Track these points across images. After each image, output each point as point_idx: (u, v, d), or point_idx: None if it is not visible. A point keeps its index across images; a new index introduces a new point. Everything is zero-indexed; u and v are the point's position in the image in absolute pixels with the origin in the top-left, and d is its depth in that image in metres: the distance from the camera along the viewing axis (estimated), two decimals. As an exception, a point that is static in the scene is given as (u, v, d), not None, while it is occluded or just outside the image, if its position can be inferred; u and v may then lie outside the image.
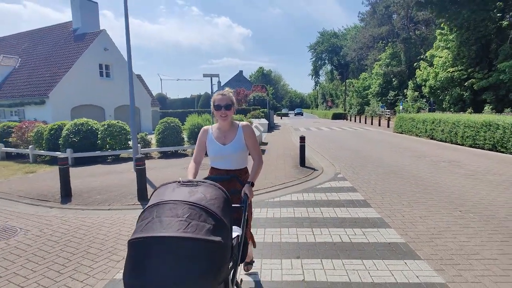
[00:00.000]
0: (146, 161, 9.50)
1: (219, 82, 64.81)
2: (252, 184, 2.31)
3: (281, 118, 47.91)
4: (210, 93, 47.87)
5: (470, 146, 11.62)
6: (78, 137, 10.26)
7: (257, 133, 12.67)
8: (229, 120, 2.47)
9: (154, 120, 25.98)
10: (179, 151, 11.60)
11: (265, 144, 14.17)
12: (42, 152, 10.98)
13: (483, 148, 11.00)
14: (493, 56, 22.22)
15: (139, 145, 10.33)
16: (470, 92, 23.09)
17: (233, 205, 1.77)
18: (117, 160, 10.89)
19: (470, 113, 19.84)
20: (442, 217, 4.46)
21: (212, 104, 2.48)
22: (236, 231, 1.86)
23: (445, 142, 13.26)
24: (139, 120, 23.77)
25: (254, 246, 2.92)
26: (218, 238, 1.32)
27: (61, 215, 5.22)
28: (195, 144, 10.82)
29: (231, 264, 1.46)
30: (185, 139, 11.59)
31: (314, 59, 79.65)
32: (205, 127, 2.60)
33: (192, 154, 11.28)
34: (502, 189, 5.82)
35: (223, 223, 1.41)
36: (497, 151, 10.36)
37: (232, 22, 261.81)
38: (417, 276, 2.92)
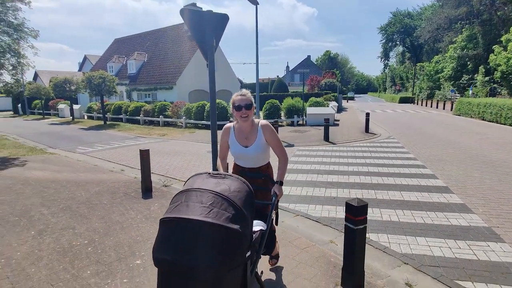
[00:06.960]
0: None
1: (287, 67, 68.80)
2: (281, 183, 2.38)
3: (347, 102, 50.38)
4: (281, 77, 51.88)
5: (510, 125, 14.40)
6: (217, 111, 16.06)
7: (331, 111, 17.07)
8: (249, 121, 2.51)
9: (241, 101, 31.91)
10: (279, 122, 16.80)
11: (337, 120, 18.55)
12: (192, 121, 17.18)
13: (519, 126, 13.82)
14: None
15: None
16: (543, 78, 23.74)
17: (261, 201, 2.23)
18: (239, 127, 16.52)
19: (535, 98, 21.12)
20: (442, 150, 8.68)
21: (231, 105, 2.50)
22: (260, 225, 2.03)
23: (492, 122, 16.00)
24: (231, 102, 29.90)
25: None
26: (236, 226, 1.45)
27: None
28: (289, 118, 15.92)
29: (249, 253, 1.56)
30: (282, 114, 16.69)
31: (384, 41, 77.55)
32: (227, 125, 2.65)
33: (286, 125, 16.41)
34: (492, 144, 9.57)
35: (243, 214, 1.54)
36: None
37: (296, 1, 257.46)
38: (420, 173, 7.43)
